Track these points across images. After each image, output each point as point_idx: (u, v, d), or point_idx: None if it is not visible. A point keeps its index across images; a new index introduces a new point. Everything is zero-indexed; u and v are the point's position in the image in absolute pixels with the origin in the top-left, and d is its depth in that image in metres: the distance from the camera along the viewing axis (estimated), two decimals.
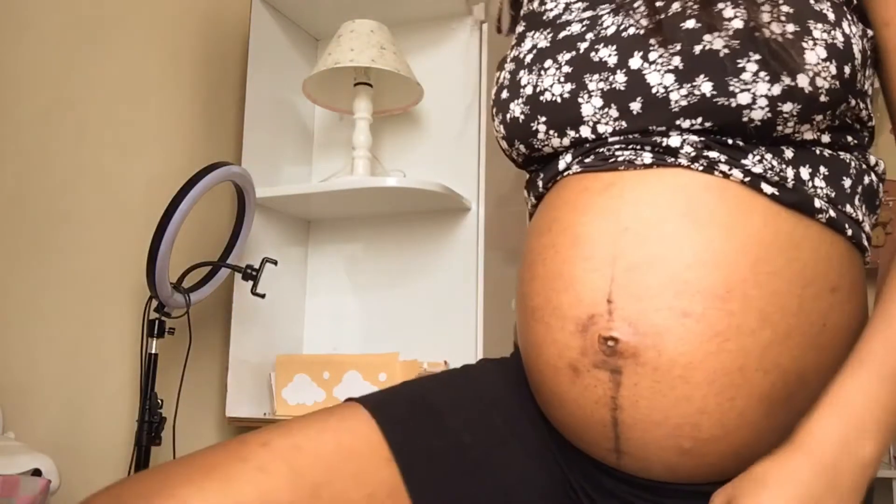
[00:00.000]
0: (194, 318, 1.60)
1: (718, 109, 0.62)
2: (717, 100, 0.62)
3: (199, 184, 1.43)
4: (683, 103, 0.63)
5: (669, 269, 0.61)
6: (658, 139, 0.65)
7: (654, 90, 0.65)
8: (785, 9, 0.62)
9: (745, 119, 0.62)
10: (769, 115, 0.62)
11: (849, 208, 0.66)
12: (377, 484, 0.64)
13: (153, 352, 1.48)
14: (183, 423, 1.62)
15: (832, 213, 0.65)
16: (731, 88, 0.62)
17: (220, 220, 1.80)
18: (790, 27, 0.62)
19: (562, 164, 0.71)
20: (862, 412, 0.57)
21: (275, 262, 1.63)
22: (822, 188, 0.65)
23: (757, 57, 0.61)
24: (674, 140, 0.64)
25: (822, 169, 0.66)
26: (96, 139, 1.55)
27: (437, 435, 0.70)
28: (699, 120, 0.63)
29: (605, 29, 0.69)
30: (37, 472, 1.05)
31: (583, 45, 0.70)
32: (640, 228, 0.63)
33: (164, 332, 1.51)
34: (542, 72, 0.71)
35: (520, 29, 0.79)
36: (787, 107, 0.62)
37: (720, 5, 0.64)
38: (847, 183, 0.67)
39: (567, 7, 0.75)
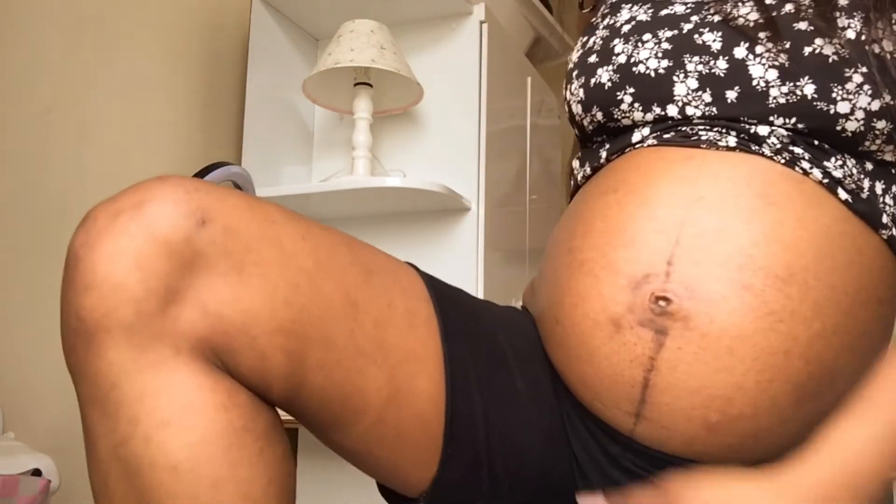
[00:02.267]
0: None
1: (816, 113, 0.63)
2: (817, 104, 0.62)
3: None
4: (782, 101, 0.63)
5: (737, 241, 0.60)
6: (746, 126, 0.64)
7: (754, 82, 0.64)
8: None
9: (838, 128, 0.62)
10: (862, 128, 0.62)
11: None
12: (417, 305, 0.64)
13: None
14: None
15: (895, 231, 0.66)
16: (833, 95, 0.62)
17: None
18: None
19: (636, 137, 0.70)
20: (859, 469, 0.56)
21: None
22: (891, 206, 0.66)
23: (864, 70, 0.62)
24: (762, 129, 0.64)
25: (895, 189, 0.67)
26: (96, 139, 1.55)
27: (473, 320, 0.70)
28: (793, 120, 0.63)
29: (712, 15, 0.68)
30: (37, 472, 1.05)
31: (686, 26, 0.69)
32: (714, 199, 0.62)
33: None
34: (640, 44, 0.70)
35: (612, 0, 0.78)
36: (881, 124, 0.62)
37: (836, 13, 0.64)
38: None
39: None
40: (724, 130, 0.65)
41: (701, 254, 0.61)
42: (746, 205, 0.62)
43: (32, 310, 1.40)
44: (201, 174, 1.49)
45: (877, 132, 0.63)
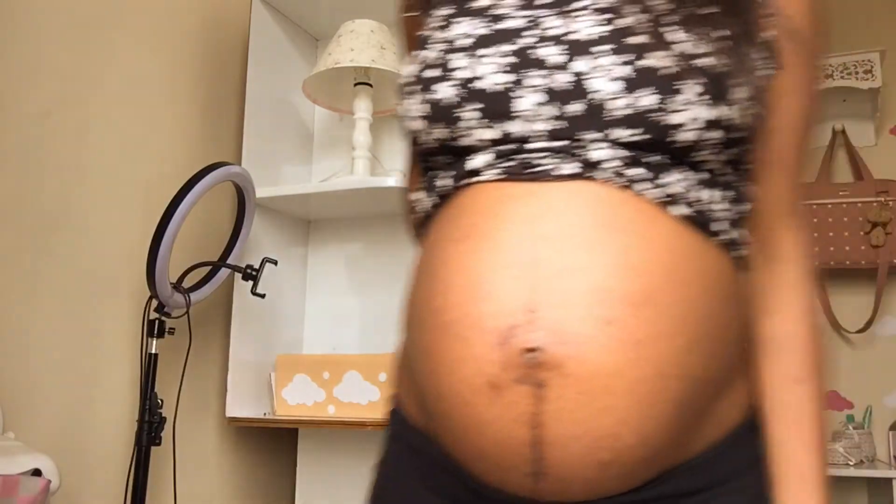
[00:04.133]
0: (194, 318, 1.60)
1: (653, 125, 0.64)
2: (655, 115, 0.64)
3: (199, 184, 1.43)
4: (621, 113, 0.64)
5: (590, 276, 0.61)
6: (583, 153, 0.65)
7: (596, 95, 0.65)
8: (727, 43, 0.66)
9: (673, 139, 0.64)
10: (696, 138, 0.64)
11: (736, 233, 0.70)
12: None
13: (153, 352, 1.48)
14: (183, 423, 1.62)
15: (728, 235, 0.69)
16: (670, 107, 0.64)
17: (220, 220, 1.80)
18: (725, 62, 0.66)
19: (477, 163, 0.69)
20: None
21: (275, 262, 1.63)
22: (724, 210, 0.69)
23: (699, 81, 0.64)
24: (599, 154, 0.65)
25: (726, 193, 0.69)
26: (96, 139, 1.55)
27: None
28: (632, 132, 0.65)
29: (550, 29, 0.69)
30: (37, 472, 1.05)
31: (526, 41, 0.69)
32: (561, 236, 0.63)
33: (164, 332, 1.51)
34: (481, 59, 0.69)
35: (445, 11, 0.77)
36: (714, 134, 0.65)
37: (671, 28, 0.66)
38: (739, 208, 0.71)
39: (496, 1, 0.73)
40: (562, 156, 0.66)
41: (559, 295, 0.61)
42: (593, 237, 0.63)
43: (32, 310, 1.41)
44: (201, 174, 1.49)
45: (710, 141, 0.65)
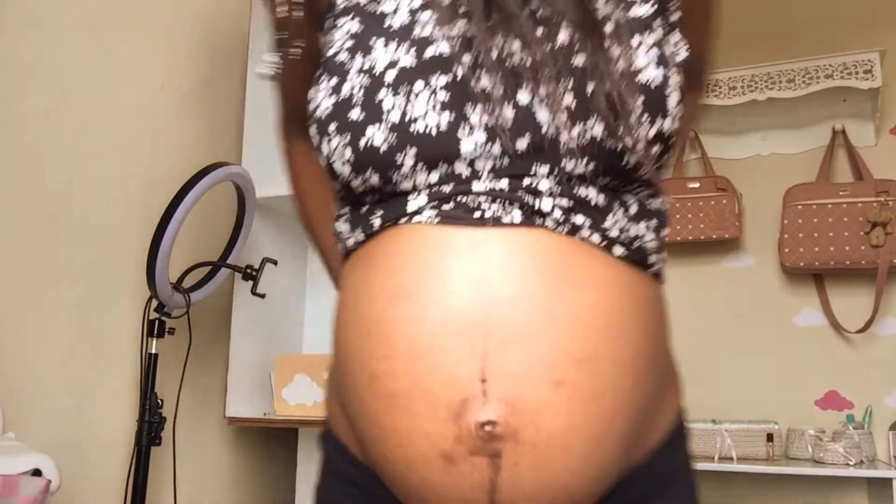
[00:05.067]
0: (194, 318, 1.60)
1: (606, 152, 0.61)
2: (607, 143, 0.61)
3: (200, 184, 1.43)
4: (573, 145, 0.61)
5: (541, 340, 0.59)
6: (528, 199, 0.62)
7: (543, 129, 0.61)
8: (654, 52, 0.63)
9: (625, 162, 0.62)
10: (643, 158, 0.62)
11: (661, 256, 0.71)
12: None
13: (153, 352, 1.48)
14: (183, 423, 1.62)
15: (658, 265, 0.69)
16: (619, 131, 0.61)
17: (220, 220, 1.80)
18: (661, 71, 0.63)
19: (413, 205, 0.64)
20: None
21: (275, 262, 1.63)
22: (651, 240, 0.67)
23: (641, 99, 0.61)
24: (543, 199, 0.62)
25: (652, 222, 0.68)
26: (96, 139, 1.55)
27: None
28: (584, 161, 0.62)
29: (484, 55, 0.63)
30: (37, 472, 1.05)
31: (460, 70, 0.63)
32: (510, 296, 0.60)
33: (164, 332, 1.51)
34: (412, 96, 0.63)
35: (350, 26, 0.71)
36: (655, 149, 0.63)
37: (606, 42, 0.63)
38: (661, 234, 0.70)
39: (412, 16, 0.68)
40: (507, 203, 0.62)
41: (510, 363, 0.59)
42: (542, 294, 0.60)
43: (33, 310, 1.41)
44: (201, 174, 1.49)
45: (652, 157, 0.63)
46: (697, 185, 2.37)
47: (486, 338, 0.59)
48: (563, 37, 0.63)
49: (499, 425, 0.59)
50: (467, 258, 0.61)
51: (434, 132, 0.62)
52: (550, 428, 0.59)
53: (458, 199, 0.62)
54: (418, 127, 0.62)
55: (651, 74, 0.62)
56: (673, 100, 0.63)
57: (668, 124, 0.63)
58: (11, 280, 1.37)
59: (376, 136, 0.63)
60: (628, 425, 0.63)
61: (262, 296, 1.62)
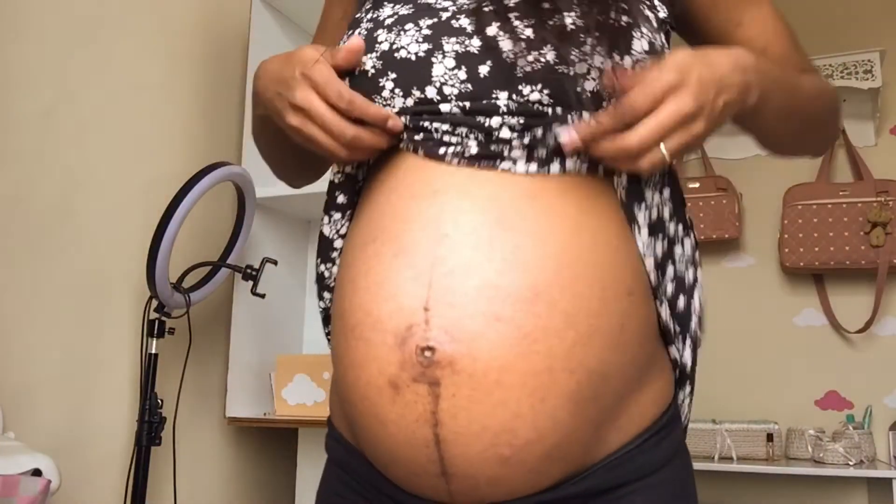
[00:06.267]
0: (194, 318, 1.60)
1: (558, 77, 0.67)
2: (559, 67, 0.66)
3: (199, 184, 1.43)
4: (528, 69, 0.67)
5: (483, 275, 0.63)
6: (488, 125, 0.67)
7: (503, 55, 0.68)
8: (623, 5, 0.70)
9: (579, 88, 0.66)
10: (599, 86, 0.67)
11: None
12: None
13: (153, 352, 1.48)
14: (183, 423, 1.62)
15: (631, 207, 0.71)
16: (572, 58, 0.66)
17: (220, 220, 1.80)
18: (625, 18, 0.69)
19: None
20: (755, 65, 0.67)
21: (275, 262, 1.63)
22: (619, 178, 0.71)
23: (597, 34, 0.67)
24: (504, 132, 0.67)
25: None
26: (96, 139, 1.55)
27: None
28: (539, 86, 0.67)
29: (469, 4, 0.72)
30: (37, 472, 1.05)
31: (444, 14, 0.72)
32: (457, 235, 0.64)
33: (164, 332, 1.51)
34: (402, 32, 0.72)
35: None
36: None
37: None
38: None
39: None
40: (466, 133, 0.68)
41: (453, 294, 0.63)
42: (487, 235, 0.64)
43: (33, 310, 1.40)
44: (201, 174, 1.49)
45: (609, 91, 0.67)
46: (697, 185, 2.37)
47: (432, 270, 0.64)
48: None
49: (437, 352, 0.62)
50: (427, 205, 0.67)
51: (413, 58, 0.70)
52: (486, 359, 0.61)
53: (426, 128, 0.69)
54: (401, 54, 0.71)
55: (613, 16, 0.69)
56: (638, 45, 0.68)
57: (627, 63, 0.67)
58: (11, 280, 1.37)
59: (367, 62, 0.72)
60: (575, 384, 0.63)
61: (262, 296, 1.62)
